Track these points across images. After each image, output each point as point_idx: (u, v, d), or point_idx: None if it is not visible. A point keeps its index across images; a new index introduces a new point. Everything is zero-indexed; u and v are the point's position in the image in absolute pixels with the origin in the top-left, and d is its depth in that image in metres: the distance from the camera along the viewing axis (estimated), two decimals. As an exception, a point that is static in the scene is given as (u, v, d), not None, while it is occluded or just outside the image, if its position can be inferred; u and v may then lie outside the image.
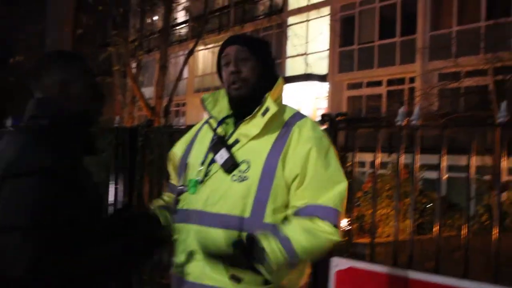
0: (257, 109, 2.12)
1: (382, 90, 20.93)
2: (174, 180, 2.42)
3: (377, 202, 10.28)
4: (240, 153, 2.11)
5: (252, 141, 2.13)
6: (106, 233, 1.99)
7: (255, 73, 2.17)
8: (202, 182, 2.15)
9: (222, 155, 2.12)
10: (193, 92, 31.61)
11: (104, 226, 2.04)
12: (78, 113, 1.97)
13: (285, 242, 1.99)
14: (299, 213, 2.07)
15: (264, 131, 2.12)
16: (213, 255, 2.03)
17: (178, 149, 2.41)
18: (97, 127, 2.17)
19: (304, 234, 2.01)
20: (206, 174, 2.16)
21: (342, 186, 2.09)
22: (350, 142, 3.52)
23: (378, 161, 3.34)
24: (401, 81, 19.95)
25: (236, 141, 2.15)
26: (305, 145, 2.08)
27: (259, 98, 2.16)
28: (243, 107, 2.19)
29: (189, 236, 2.16)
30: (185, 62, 18.03)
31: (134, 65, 18.71)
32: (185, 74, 28.47)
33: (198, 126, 2.41)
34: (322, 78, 23.31)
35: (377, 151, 3.28)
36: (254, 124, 2.13)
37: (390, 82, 20.09)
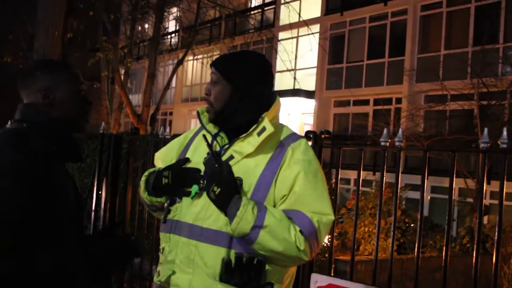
0: (253, 127, 2.12)
1: (369, 109, 21.07)
2: None
3: (360, 219, 10.36)
4: (233, 170, 2.09)
5: (245, 159, 2.13)
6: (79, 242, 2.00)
7: (223, 96, 2.16)
8: (200, 194, 2.14)
9: None
10: (180, 101, 31.60)
11: (80, 236, 2.05)
12: (62, 120, 2.05)
13: (262, 207, 2.02)
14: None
15: (259, 150, 2.12)
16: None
17: (167, 155, 2.39)
18: (83, 133, 2.21)
19: (281, 216, 2.02)
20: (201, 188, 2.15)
21: (329, 217, 2.08)
22: (335, 159, 3.54)
23: (361, 180, 3.36)
24: (388, 101, 20.11)
25: (230, 158, 2.14)
26: (294, 168, 2.09)
27: (238, 117, 2.16)
28: (222, 125, 2.21)
29: (177, 248, 2.15)
30: (174, 71, 18.01)
31: (122, 71, 18.67)
32: (173, 83, 28.48)
33: (190, 134, 2.40)
34: (309, 94, 23.42)
35: (360, 170, 3.30)
36: (249, 142, 2.13)
37: (377, 102, 20.24)
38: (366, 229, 10.37)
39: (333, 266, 3.45)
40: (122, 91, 16.63)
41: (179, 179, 2.18)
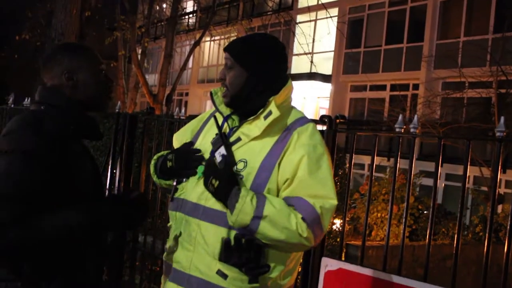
0: (260, 111, 2.14)
1: (385, 94, 20.94)
2: None
3: (373, 205, 10.35)
4: (239, 152, 2.13)
5: (252, 141, 2.15)
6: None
7: (239, 81, 2.16)
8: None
9: (220, 153, 2.15)
10: (196, 82, 31.61)
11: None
12: (84, 100, 2.13)
13: (261, 197, 2.02)
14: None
15: (265, 133, 2.13)
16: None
17: (183, 136, 2.43)
18: (105, 112, 2.28)
19: (281, 205, 2.02)
20: None
21: (332, 202, 2.06)
22: (349, 144, 3.53)
23: (375, 165, 3.35)
24: (405, 87, 19.96)
25: (238, 139, 2.17)
26: (299, 152, 2.09)
27: (254, 101, 2.17)
28: (237, 108, 2.22)
29: (181, 225, 2.19)
30: (191, 52, 18.01)
31: (139, 51, 18.69)
32: (190, 64, 28.47)
33: (205, 116, 2.42)
34: (326, 78, 23.31)
35: (374, 156, 3.29)
36: (256, 125, 2.14)
37: (393, 87, 20.11)
38: (379, 214, 10.37)
39: (344, 250, 3.45)
40: (139, 71, 16.67)
41: (182, 162, 2.22)
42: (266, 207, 2.00)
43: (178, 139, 2.45)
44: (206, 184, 2.07)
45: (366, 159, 17.82)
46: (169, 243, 2.26)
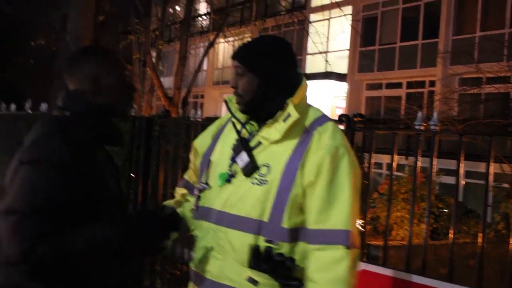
0: (278, 113, 2.11)
1: (402, 92, 20.79)
2: (193, 173, 2.43)
3: (393, 204, 10.25)
4: (261, 156, 2.11)
5: (273, 145, 2.12)
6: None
7: (251, 87, 2.14)
8: (229, 180, 2.15)
9: (242, 158, 2.13)
10: (212, 84, 31.66)
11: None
12: (108, 106, 2.06)
13: None
14: (311, 240, 2.06)
15: (285, 136, 2.11)
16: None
17: (203, 141, 2.40)
18: (127, 118, 2.21)
19: (321, 275, 2.03)
20: (229, 175, 2.16)
21: (351, 206, 2.05)
22: (368, 143, 3.49)
23: (394, 164, 3.30)
24: (421, 84, 19.80)
25: (258, 144, 2.15)
26: (320, 153, 2.06)
27: (269, 105, 2.14)
28: (253, 114, 2.20)
29: (208, 234, 2.17)
30: (205, 54, 18.01)
31: (154, 54, 18.73)
32: (205, 66, 28.50)
33: (223, 121, 2.40)
34: (341, 77, 23.23)
35: (393, 154, 3.25)
36: (276, 129, 2.12)
37: (410, 85, 19.96)
38: (399, 214, 10.27)
39: (365, 251, 3.41)
40: (154, 74, 16.68)
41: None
42: None
43: (199, 145, 2.42)
44: None
45: (383, 158, 17.68)
46: (198, 253, 2.22)
